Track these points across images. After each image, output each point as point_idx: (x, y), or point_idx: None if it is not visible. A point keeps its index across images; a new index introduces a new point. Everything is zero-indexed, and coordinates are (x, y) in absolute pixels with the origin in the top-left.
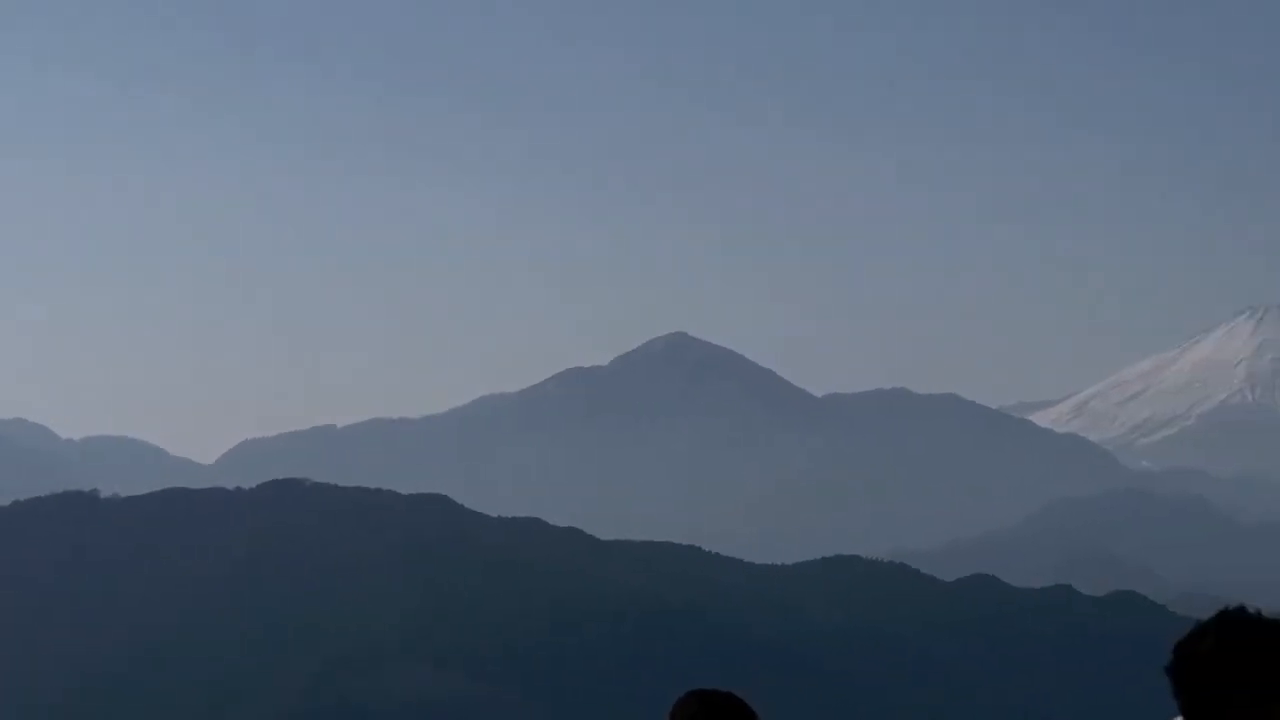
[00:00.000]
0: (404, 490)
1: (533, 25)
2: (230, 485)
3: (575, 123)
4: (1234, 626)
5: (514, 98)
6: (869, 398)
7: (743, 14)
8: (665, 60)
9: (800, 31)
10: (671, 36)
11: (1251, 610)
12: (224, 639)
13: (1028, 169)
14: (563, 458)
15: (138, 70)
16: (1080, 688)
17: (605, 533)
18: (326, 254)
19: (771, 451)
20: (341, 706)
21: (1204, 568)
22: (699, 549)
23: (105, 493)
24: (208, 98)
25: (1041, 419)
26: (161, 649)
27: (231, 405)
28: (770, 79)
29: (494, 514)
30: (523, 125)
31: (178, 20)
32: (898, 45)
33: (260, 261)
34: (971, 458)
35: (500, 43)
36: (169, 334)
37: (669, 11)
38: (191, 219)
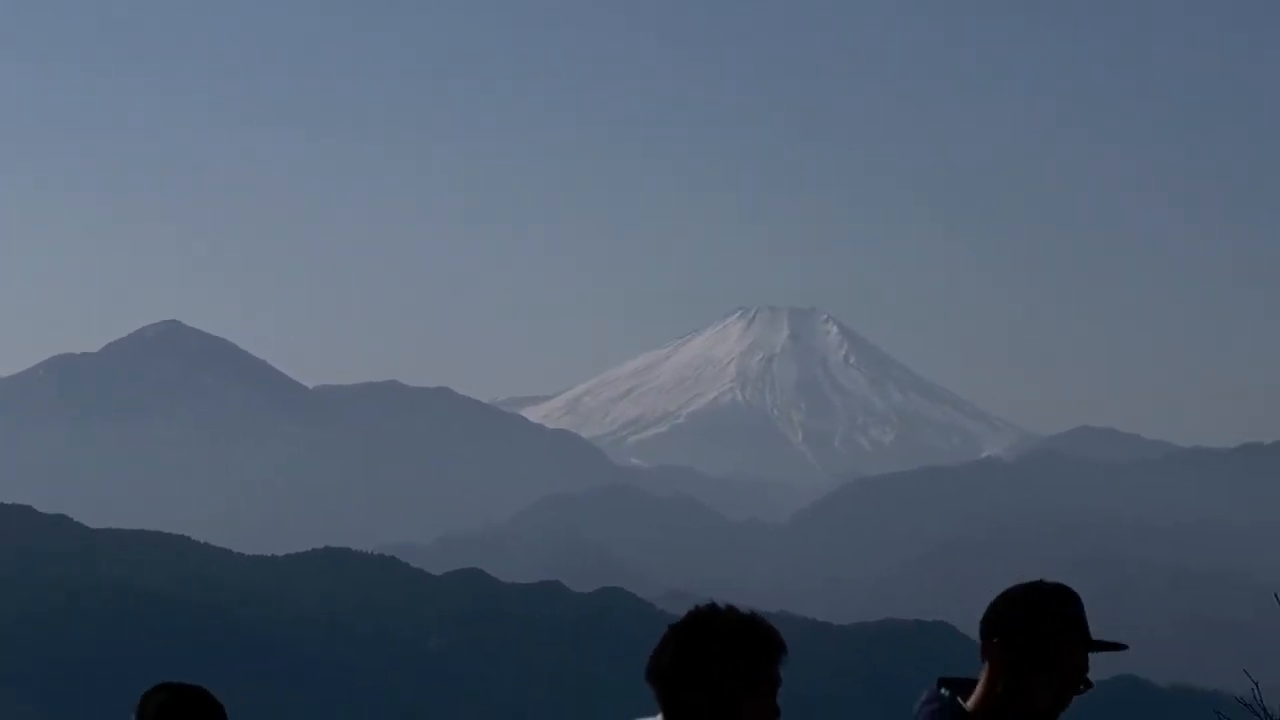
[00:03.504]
0: None
1: None
2: None
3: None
4: (700, 628)
5: None
6: (360, 390)
7: None
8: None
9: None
10: None
11: (722, 607)
12: None
13: (515, 165)
14: (51, 444)
15: None
16: (568, 682)
17: (95, 521)
18: None
19: (263, 442)
20: None
21: (692, 565)
22: (189, 538)
23: None
24: None
25: (533, 414)
26: None
27: None
28: (238, 79)
29: None
30: None
31: None
32: None
33: None
34: (463, 452)
35: None
36: None
37: None
38: None
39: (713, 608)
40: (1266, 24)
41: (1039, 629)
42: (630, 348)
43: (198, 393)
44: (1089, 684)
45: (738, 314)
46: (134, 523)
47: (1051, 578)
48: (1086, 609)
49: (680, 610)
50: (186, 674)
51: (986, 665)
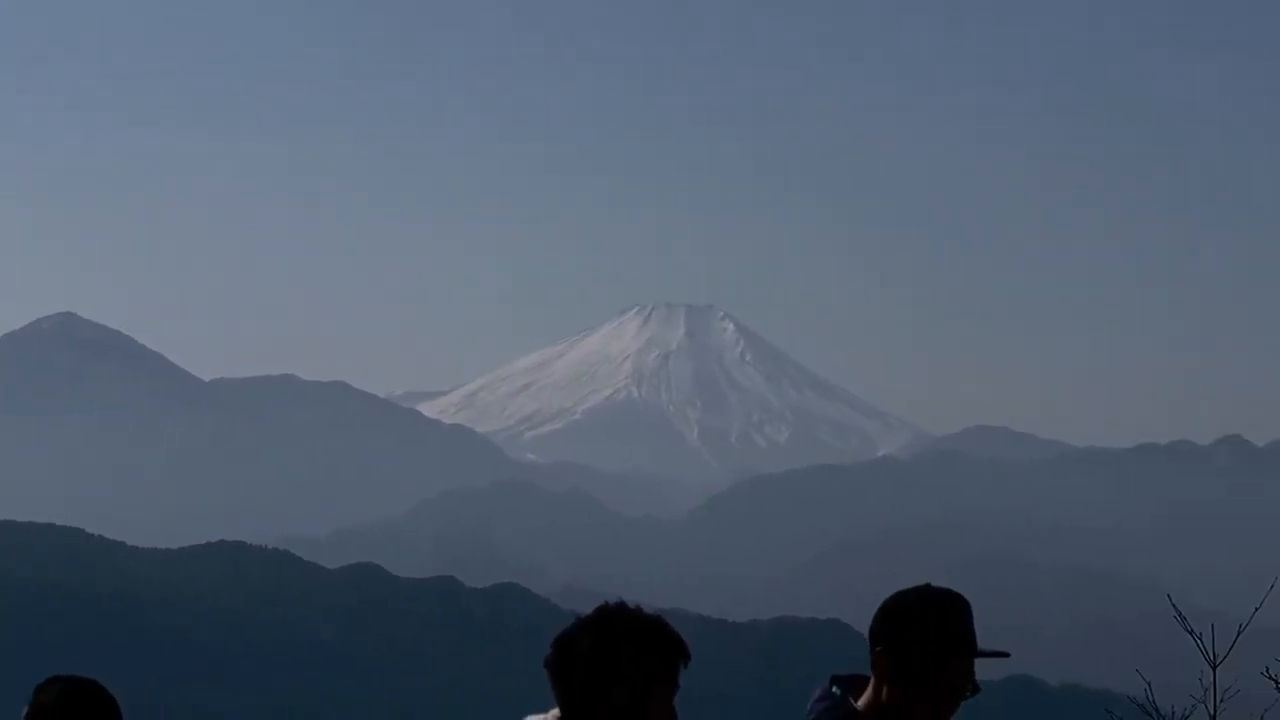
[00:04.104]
0: None
1: None
2: None
3: None
4: (611, 624)
5: None
6: (257, 383)
7: None
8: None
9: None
10: None
11: (631, 605)
12: None
13: (414, 160)
14: None
15: None
16: (464, 677)
17: None
18: None
19: (159, 435)
20: None
21: (587, 561)
22: (83, 531)
23: None
24: None
25: (430, 409)
26: None
27: None
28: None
29: None
30: None
31: None
32: None
33: None
34: (359, 446)
35: None
36: None
37: None
38: None
39: (623, 605)
40: (1146, 24)
41: (918, 641)
42: (527, 344)
43: (93, 385)
44: (976, 689)
45: (634, 311)
46: (27, 515)
47: (944, 577)
48: (978, 609)
49: (576, 606)
50: (79, 667)
51: (873, 670)
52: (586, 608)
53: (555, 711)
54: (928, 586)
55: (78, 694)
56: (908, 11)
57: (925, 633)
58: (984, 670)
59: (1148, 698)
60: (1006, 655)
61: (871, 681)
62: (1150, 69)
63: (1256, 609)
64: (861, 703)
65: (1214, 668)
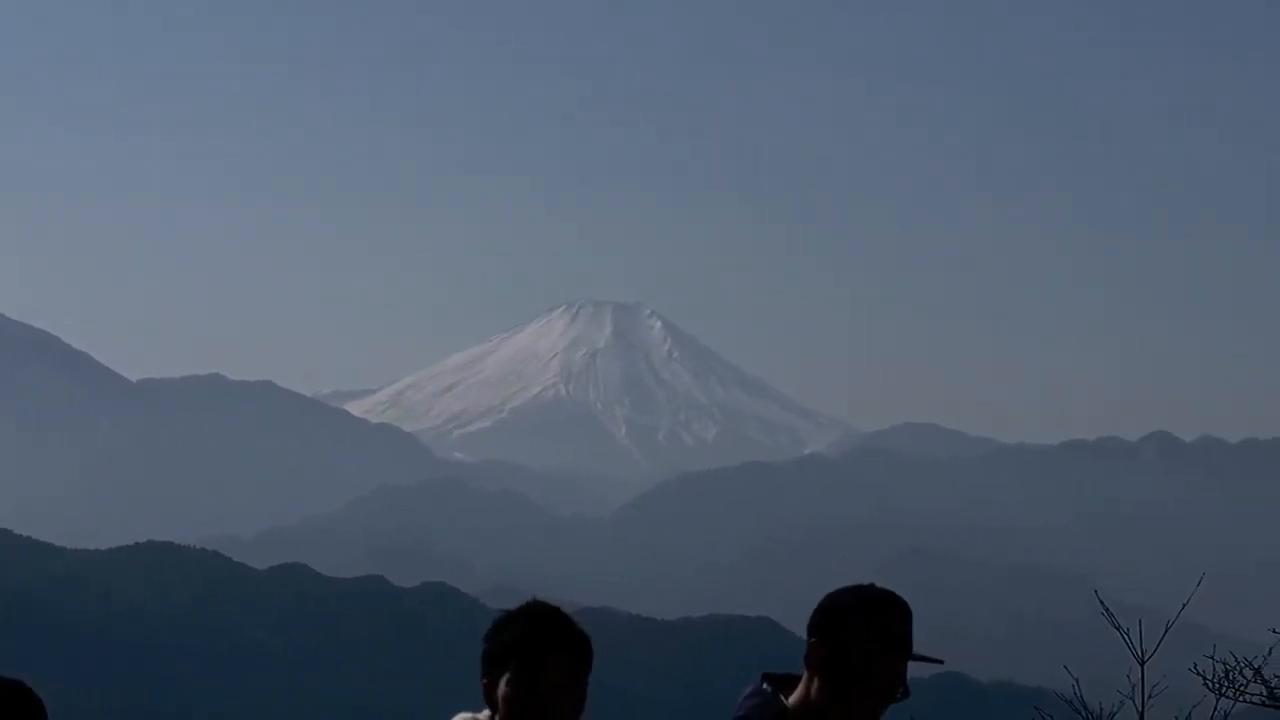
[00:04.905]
0: None
1: None
2: None
3: None
4: (543, 615)
5: None
6: (184, 383)
7: None
8: None
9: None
10: None
11: (550, 605)
12: None
13: (342, 161)
14: None
15: None
16: (392, 677)
17: None
18: None
19: (86, 435)
20: None
21: (515, 560)
22: (10, 532)
23: None
24: None
25: (357, 408)
26: None
27: None
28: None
29: None
30: None
31: None
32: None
33: None
34: (287, 446)
35: None
36: None
37: None
38: None
39: (543, 603)
40: (1071, 23)
41: (854, 640)
42: (454, 342)
43: (19, 385)
44: (907, 693)
45: (562, 309)
46: None
47: (873, 575)
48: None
49: (506, 605)
50: (6, 669)
51: (806, 663)
52: (515, 605)
53: (487, 711)
54: (870, 586)
55: (5, 696)
56: (833, 7)
57: (861, 632)
58: (915, 668)
59: (1076, 694)
60: (940, 662)
61: (804, 678)
62: (1078, 69)
63: (1184, 605)
64: (792, 700)
65: (1142, 664)
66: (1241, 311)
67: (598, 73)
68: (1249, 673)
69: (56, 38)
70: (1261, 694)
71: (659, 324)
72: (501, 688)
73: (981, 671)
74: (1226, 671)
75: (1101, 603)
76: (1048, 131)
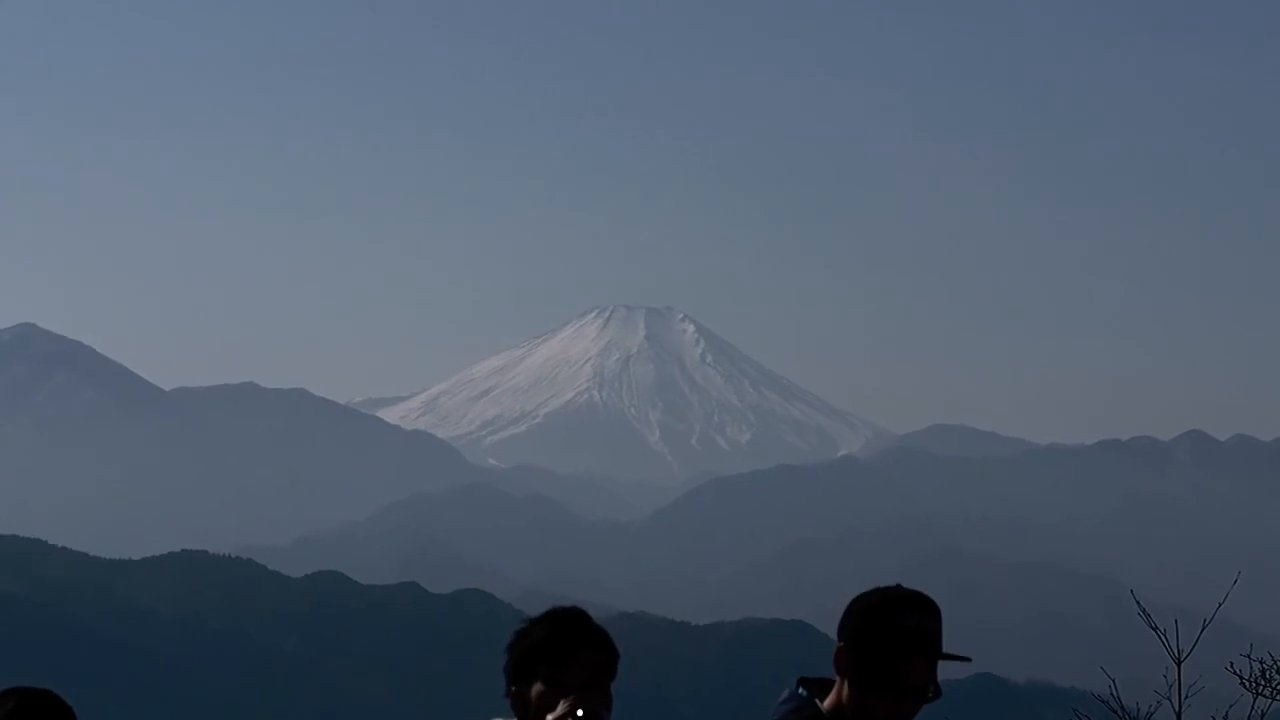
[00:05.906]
0: None
1: None
2: None
3: None
4: (568, 615)
5: None
6: (217, 392)
7: None
8: None
9: None
10: None
11: (574, 607)
12: None
13: (372, 166)
14: None
15: None
16: (426, 684)
17: None
18: None
19: (120, 445)
20: None
21: (548, 565)
22: (44, 542)
23: None
24: None
25: (390, 415)
26: None
27: None
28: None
29: None
30: None
31: None
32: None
33: None
34: (320, 453)
35: None
36: None
37: None
38: None
39: (565, 606)
40: (1071, 21)
41: (877, 642)
42: (487, 348)
43: (53, 395)
44: (938, 693)
45: (594, 313)
46: None
47: (907, 576)
48: (942, 607)
49: (538, 610)
50: (40, 679)
51: (835, 665)
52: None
53: None
54: (896, 587)
55: (33, 705)
56: (867, 13)
57: (887, 632)
58: (949, 669)
59: (1113, 694)
60: (968, 660)
61: (837, 681)
62: (1102, 67)
63: (1220, 604)
64: (826, 703)
65: (1179, 664)
66: (1276, 309)
67: (631, 77)
68: None
69: (96, 46)
70: None
71: (691, 327)
72: (535, 688)
73: (1016, 672)
74: (1264, 670)
75: (1138, 602)
76: (1085, 128)
